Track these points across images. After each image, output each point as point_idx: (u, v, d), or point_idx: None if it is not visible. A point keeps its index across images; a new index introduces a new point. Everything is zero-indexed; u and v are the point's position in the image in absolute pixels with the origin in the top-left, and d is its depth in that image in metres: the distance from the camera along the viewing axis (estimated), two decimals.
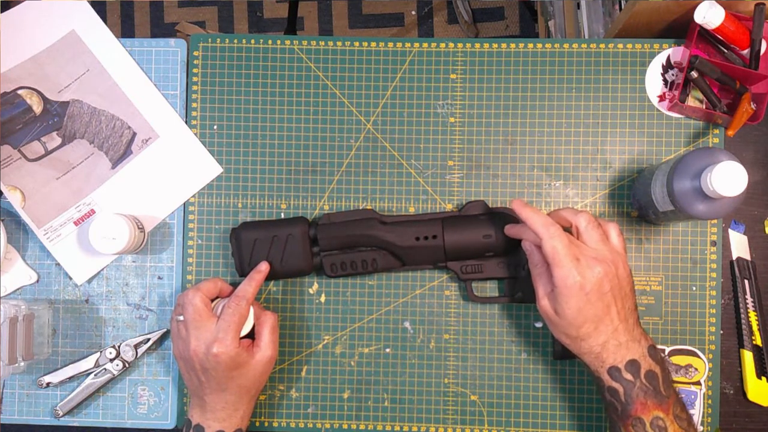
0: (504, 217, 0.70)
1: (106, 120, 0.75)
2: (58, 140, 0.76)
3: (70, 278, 0.76)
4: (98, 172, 0.76)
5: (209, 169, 0.76)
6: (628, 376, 0.60)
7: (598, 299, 0.59)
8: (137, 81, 0.76)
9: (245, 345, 0.67)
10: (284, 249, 0.71)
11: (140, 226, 0.74)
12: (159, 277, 0.76)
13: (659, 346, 0.74)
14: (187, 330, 0.66)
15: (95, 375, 0.75)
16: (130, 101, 0.76)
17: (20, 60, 0.76)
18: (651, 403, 0.59)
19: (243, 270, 0.72)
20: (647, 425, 0.59)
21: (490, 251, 0.70)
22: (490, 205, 0.75)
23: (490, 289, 0.75)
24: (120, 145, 0.76)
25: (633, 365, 0.60)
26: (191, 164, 0.76)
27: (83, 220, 0.76)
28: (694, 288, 0.74)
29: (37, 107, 0.75)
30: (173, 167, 0.76)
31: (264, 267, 0.70)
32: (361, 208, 0.75)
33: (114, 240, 0.70)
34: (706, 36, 0.73)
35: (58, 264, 0.76)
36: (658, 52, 0.76)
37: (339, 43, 0.77)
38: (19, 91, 0.75)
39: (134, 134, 0.76)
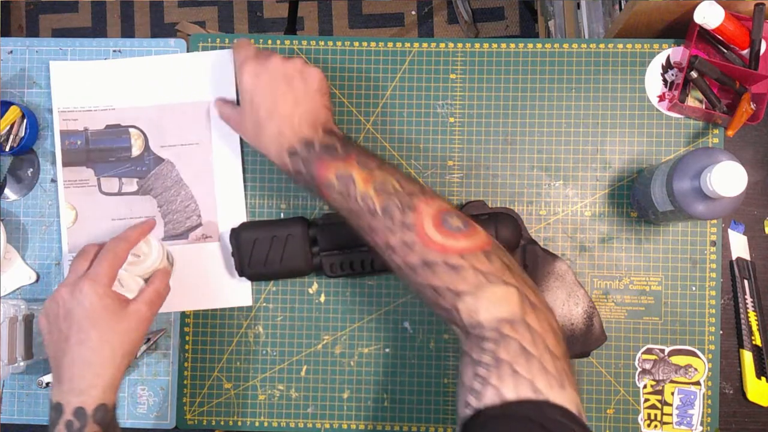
0: (504, 217, 0.70)
1: (184, 196, 0.75)
2: (135, 188, 0.76)
3: None
4: (148, 235, 0.74)
5: (242, 296, 0.76)
6: (304, 153, 0.61)
7: (268, 87, 0.64)
8: (232, 180, 0.76)
9: (117, 296, 0.62)
10: (284, 249, 0.71)
11: (171, 259, 0.73)
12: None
13: (659, 346, 0.74)
14: (66, 278, 0.63)
15: None
16: (214, 194, 0.76)
17: (151, 103, 0.76)
18: (330, 160, 0.60)
19: (243, 270, 0.72)
20: (334, 182, 0.59)
21: None
22: (490, 205, 0.75)
23: None
24: (181, 225, 0.76)
25: (307, 143, 0.61)
26: (229, 283, 0.76)
27: None
28: (693, 288, 0.74)
29: (137, 150, 0.76)
30: (212, 275, 0.75)
31: (152, 221, 0.70)
32: None
33: (138, 258, 0.69)
34: (705, 36, 0.73)
35: (57, 264, 0.77)
36: (658, 52, 0.76)
37: (339, 43, 0.77)
38: (131, 129, 0.76)
39: (199, 224, 0.76)
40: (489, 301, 0.52)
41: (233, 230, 0.72)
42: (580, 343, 0.72)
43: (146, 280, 0.69)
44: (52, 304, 0.62)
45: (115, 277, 0.63)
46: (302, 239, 0.71)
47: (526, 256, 0.72)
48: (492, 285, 0.52)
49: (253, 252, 0.71)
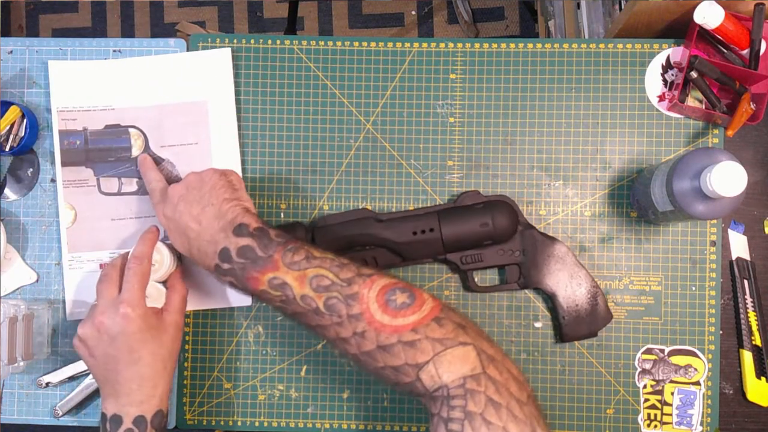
0: (500, 205, 0.70)
1: None
2: (135, 187, 0.76)
3: (65, 310, 0.76)
4: None
5: (242, 297, 0.75)
6: (226, 265, 0.61)
7: (174, 208, 0.64)
8: None
9: (153, 310, 0.66)
10: None
11: (178, 255, 0.73)
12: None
13: (659, 346, 0.74)
14: (98, 302, 0.65)
15: None
16: None
17: (151, 103, 0.76)
18: (257, 271, 0.59)
19: None
20: (270, 291, 0.59)
21: (488, 240, 0.70)
22: None
23: (490, 279, 0.75)
24: None
25: (224, 253, 0.61)
26: None
27: None
28: (693, 288, 0.74)
29: (136, 150, 0.76)
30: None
31: (154, 228, 0.70)
32: (360, 208, 0.75)
33: (154, 266, 0.70)
34: (705, 36, 0.73)
35: (57, 264, 0.77)
36: (658, 52, 0.76)
37: (339, 43, 0.77)
38: (131, 129, 0.76)
39: None
40: (449, 362, 0.53)
41: None
42: (586, 323, 0.72)
43: (164, 282, 0.71)
44: (92, 333, 0.64)
45: (145, 296, 0.65)
46: None
47: (524, 242, 0.72)
48: (449, 348, 0.54)
49: None
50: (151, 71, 0.76)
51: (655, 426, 0.73)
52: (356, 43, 0.77)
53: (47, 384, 0.75)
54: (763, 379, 0.73)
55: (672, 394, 0.73)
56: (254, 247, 0.60)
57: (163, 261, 0.70)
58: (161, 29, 1.77)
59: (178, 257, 0.74)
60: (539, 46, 0.76)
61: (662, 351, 0.74)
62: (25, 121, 0.75)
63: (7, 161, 0.78)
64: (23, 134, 0.75)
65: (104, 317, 0.63)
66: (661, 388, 0.74)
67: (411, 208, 0.76)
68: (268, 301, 0.60)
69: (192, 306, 0.75)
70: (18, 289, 0.77)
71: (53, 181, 0.77)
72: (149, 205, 0.76)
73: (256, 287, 0.60)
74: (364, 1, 1.75)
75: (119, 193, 0.76)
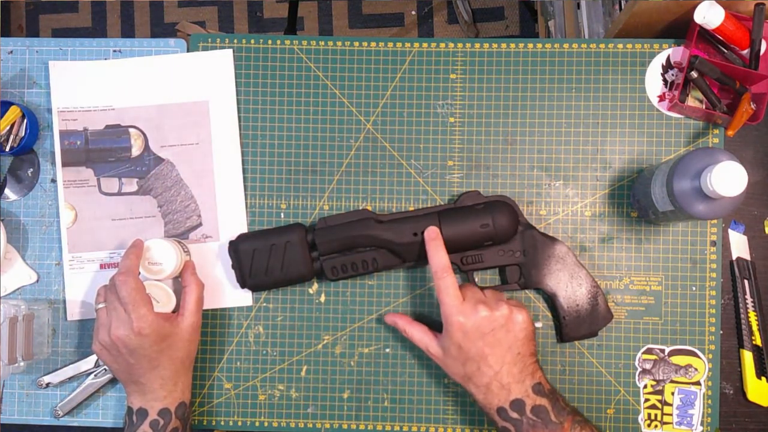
0: (500, 205, 0.70)
1: (184, 195, 0.76)
2: (135, 188, 0.76)
3: (65, 310, 0.76)
4: (148, 235, 0.75)
5: (242, 296, 0.76)
6: (515, 415, 0.63)
7: (477, 338, 0.64)
8: (233, 180, 0.76)
9: (166, 316, 0.68)
10: (284, 257, 0.71)
11: (185, 249, 0.74)
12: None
13: (659, 346, 0.74)
14: (110, 314, 0.67)
15: (95, 375, 0.75)
16: (215, 194, 0.76)
17: (151, 103, 0.76)
18: None
19: (245, 282, 0.72)
20: None
21: (488, 240, 0.70)
22: None
23: (491, 280, 0.75)
24: (182, 225, 0.76)
25: (517, 404, 0.63)
26: (229, 283, 0.75)
27: (108, 267, 0.76)
28: (693, 288, 0.74)
29: (136, 150, 0.76)
30: (214, 274, 0.76)
31: (138, 242, 0.71)
32: (360, 208, 0.75)
33: (160, 265, 0.71)
34: (706, 36, 0.73)
35: (58, 264, 0.77)
36: (658, 52, 0.76)
37: (339, 43, 0.77)
38: (131, 129, 0.76)
39: (200, 224, 0.76)
40: None
41: (231, 243, 0.72)
42: (587, 323, 0.72)
43: (178, 276, 0.72)
44: (112, 345, 0.67)
45: (150, 303, 0.68)
46: (301, 245, 0.71)
47: (525, 242, 0.72)
48: None
49: (253, 263, 0.71)
50: (152, 71, 0.76)
51: (656, 426, 0.73)
52: (356, 43, 0.77)
53: (47, 384, 0.75)
54: (764, 379, 0.73)
55: (672, 394, 0.73)
56: (549, 410, 0.63)
57: (169, 257, 0.70)
58: (161, 29, 1.77)
59: (186, 251, 0.74)
60: (539, 46, 0.76)
61: (662, 351, 0.74)
62: (25, 121, 0.75)
63: (8, 161, 0.78)
64: (23, 134, 0.75)
65: (120, 333, 0.66)
66: (661, 388, 0.74)
67: (411, 208, 0.76)
68: None
69: None
70: (18, 289, 0.77)
71: (53, 181, 0.77)
72: (149, 204, 0.76)
73: None
74: (364, 1, 1.75)
75: (119, 193, 0.76)
